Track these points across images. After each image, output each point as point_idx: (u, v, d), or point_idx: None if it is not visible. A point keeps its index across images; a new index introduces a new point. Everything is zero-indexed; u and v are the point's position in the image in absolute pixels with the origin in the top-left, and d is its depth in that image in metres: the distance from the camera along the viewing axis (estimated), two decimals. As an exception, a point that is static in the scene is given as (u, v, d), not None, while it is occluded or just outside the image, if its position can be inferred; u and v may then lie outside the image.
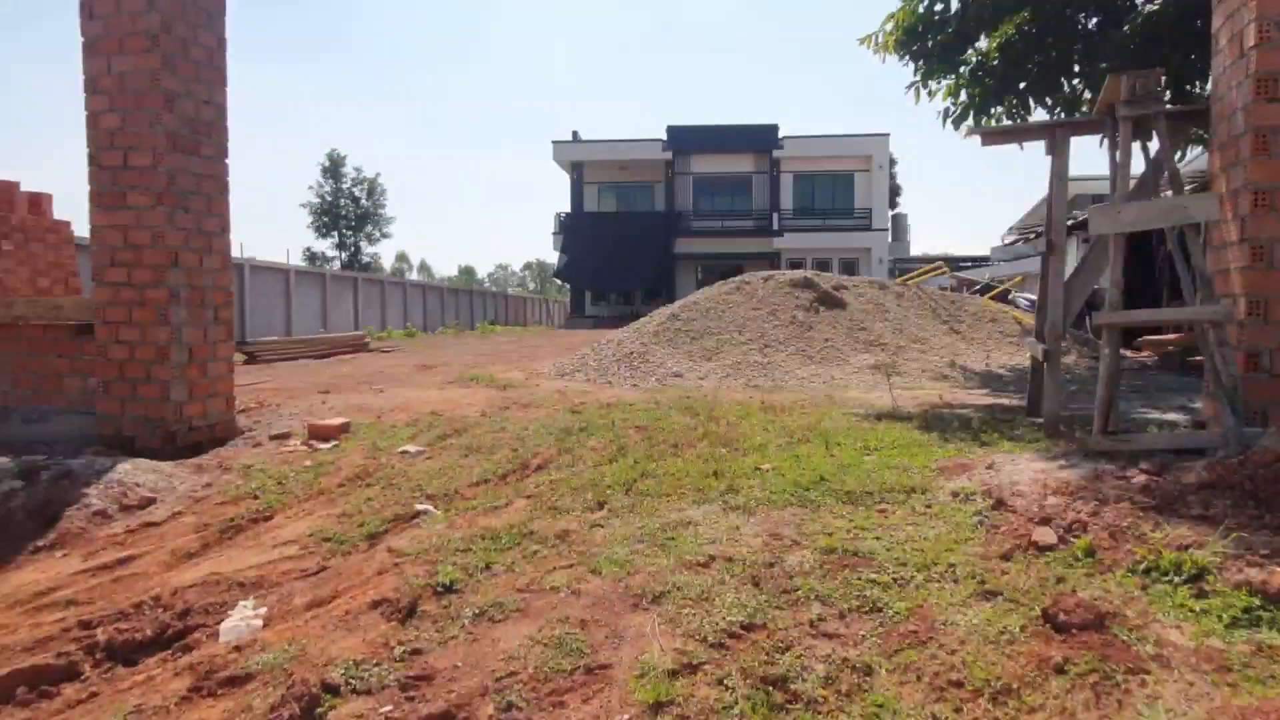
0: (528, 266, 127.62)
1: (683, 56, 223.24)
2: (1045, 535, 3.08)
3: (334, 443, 5.78)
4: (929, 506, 3.66)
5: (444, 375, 10.44)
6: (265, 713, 2.35)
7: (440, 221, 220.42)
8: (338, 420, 6.19)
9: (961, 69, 9.41)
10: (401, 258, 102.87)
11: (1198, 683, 2.18)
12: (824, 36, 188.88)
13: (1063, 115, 9.23)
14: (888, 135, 37.07)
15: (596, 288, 38.25)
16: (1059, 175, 5.10)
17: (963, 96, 9.42)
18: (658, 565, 3.14)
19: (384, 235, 57.69)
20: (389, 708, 2.32)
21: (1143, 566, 2.81)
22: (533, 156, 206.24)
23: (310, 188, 57.31)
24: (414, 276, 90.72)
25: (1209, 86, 8.55)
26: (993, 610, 2.64)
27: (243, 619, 3.14)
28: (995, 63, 9.15)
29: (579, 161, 38.69)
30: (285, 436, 5.99)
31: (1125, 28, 8.38)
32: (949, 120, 9.45)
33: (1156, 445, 3.98)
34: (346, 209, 55.60)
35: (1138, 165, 4.67)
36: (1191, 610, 2.54)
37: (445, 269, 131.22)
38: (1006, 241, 37.65)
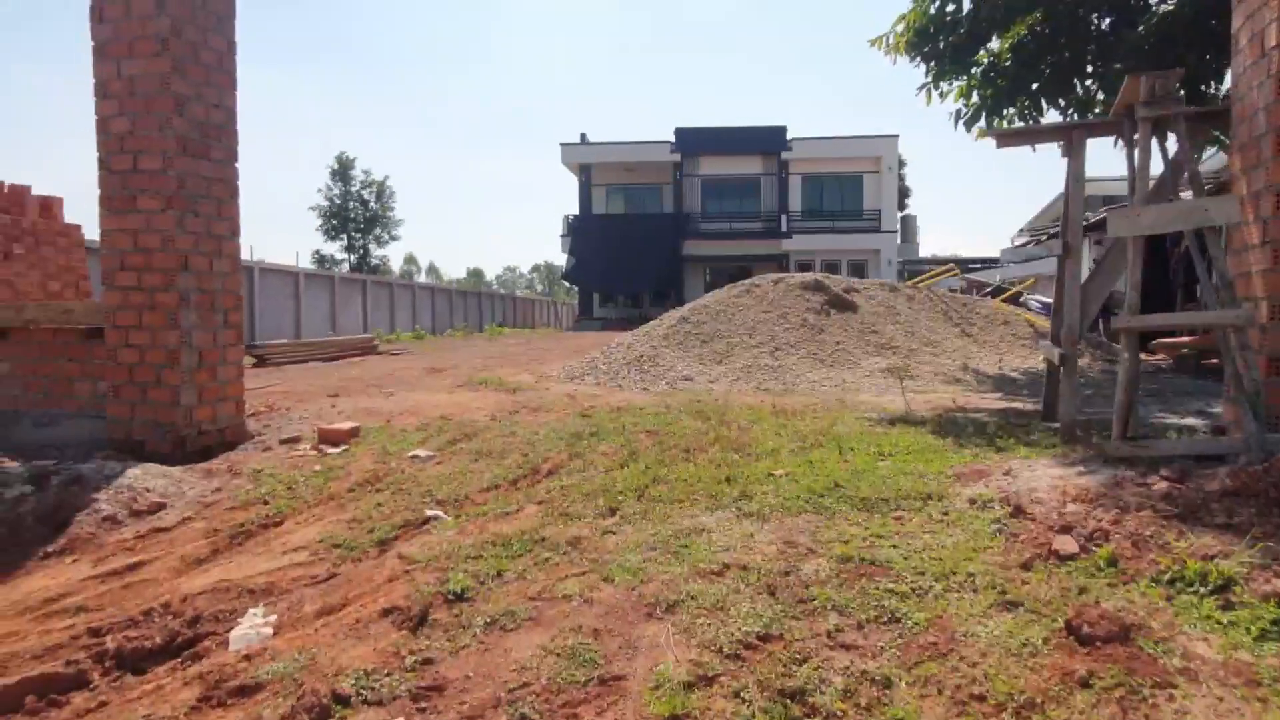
0: (536, 269, 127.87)
1: (688, 57, 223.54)
2: (1066, 544, 3.03)
3: (344, 447, 5.76)
4: (946, 514, 3.61)
5: (453, 378, 10.42)
6: (276, 724, 2.32)
7: (449, 224, 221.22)
8: (347, 424, 6.17)
9: (973, 70, 9.34)
10: (410, 260, 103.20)
11: (1227, 698, 2.13)
12: (830, 38, 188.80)
13: (1076, 116, 9.15)
14: (897, 137, 36.96)
15: (605, 290, 38.21)
16: (1075, 177, 5.04)
17: (974, 98, 9.35)
18: (671, 573, 3.10)
19: (393, 238, 57.82)
20: (400, 719, 2.29)
21: (1167, 577, 2.76)
22: (541, 158, 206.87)
23: (319, 190, 57.45)
24: (422, 279, 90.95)
25: (1224, 87, 8.53)
26: (1014, 621, 2.59)
27: (253, 627, 3.11)
28: (1007, 64, 9.08)
29: (587, 164, 38.67)
30: (295, 440, 5.97)
31: (1140, 28, 8.30)
32: (960, 122, 9.39)
33: (1176, 451, 3.92)
34: (355, 211, 55.71)
35: (1154, 166, 4.61)
36: (1219, 622, 2.49)
37: (454, 271, 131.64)
38: (1017, 243, 37.46)
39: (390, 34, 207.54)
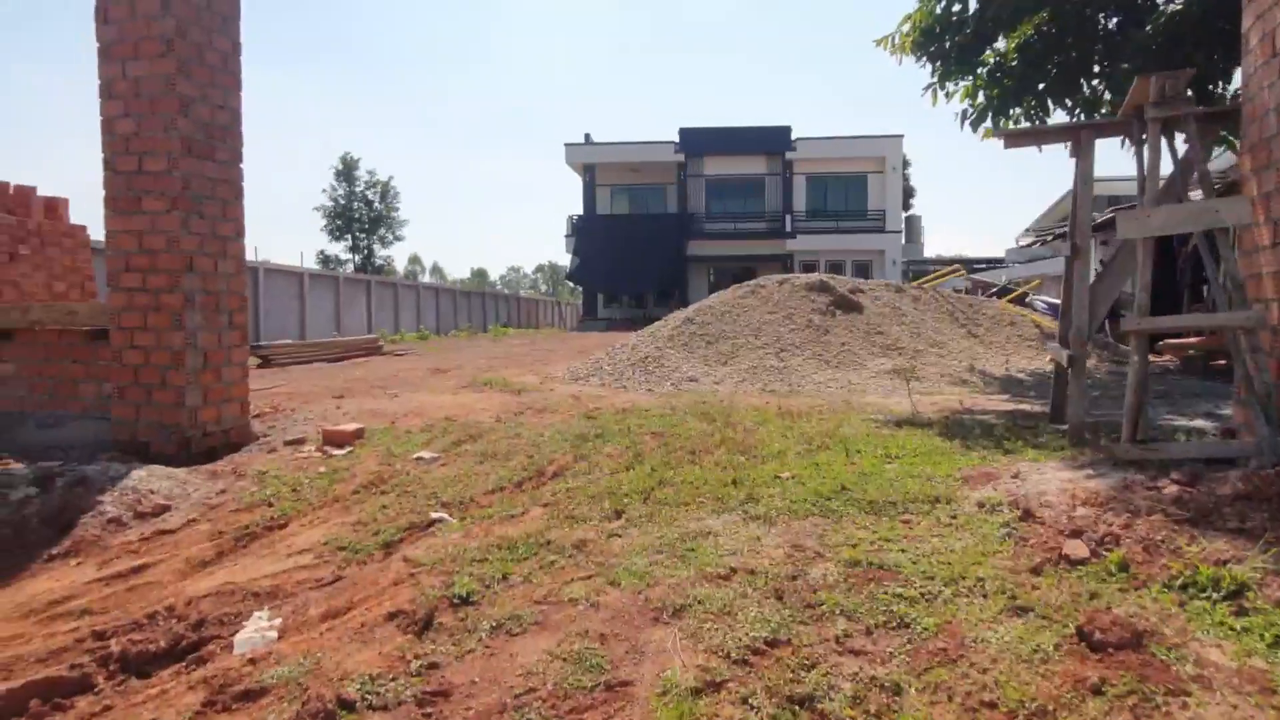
0: (540, 269, 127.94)
1: (692, 57, 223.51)
2: (1076, 548, 3.00)
3: (349, 448, 5.74)
4: (954, 517, 3.58)
5: (457, 379, 10.41)
6: (280, 730, 2.31)
7: (453, 224, 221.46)
8: (352, 426, 6.16)
9: (979, 70, 9.30)
10: (414, 260, 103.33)
11: (1241, 705, 2.10)
12: (835, 37, 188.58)
13: (1083, 116, 9.11)
14: (901, 137, 36.85)
15: (609, 290, 38.17)
16: (1084, 178, 5.01)
17: (980, 98, 9.32)
18: (678, 577, 3.08)
19: (397, 238, 57.82)
20: (406, 725, 2.27)
21: (1179, 582, 2.74)
22: (545, 158, 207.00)
23: (324, 190, 57.47)
24: (427, 279, 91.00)
25: (1232, 87, 8.49)
26: (1025, 627, 2.57)
27: (257, 630, 3.10)
28: (1014, 64, 9.04)
29: (591, 164, 38.64)
30: (300, 442, 5.96)
31: (1148, 28, 8.25)
32: (967, 122, 9.35)
33: (1187, 454, 3.89)
34: (360, 212, 55.74)
35: (1163, 167, 4.57)
36: (1232, 629, 2.46)
37: (458, 271, 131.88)
38: (1022, 243, 37.36)
39: (395, 34, 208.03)
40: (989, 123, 9.26)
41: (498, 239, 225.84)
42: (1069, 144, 5.33)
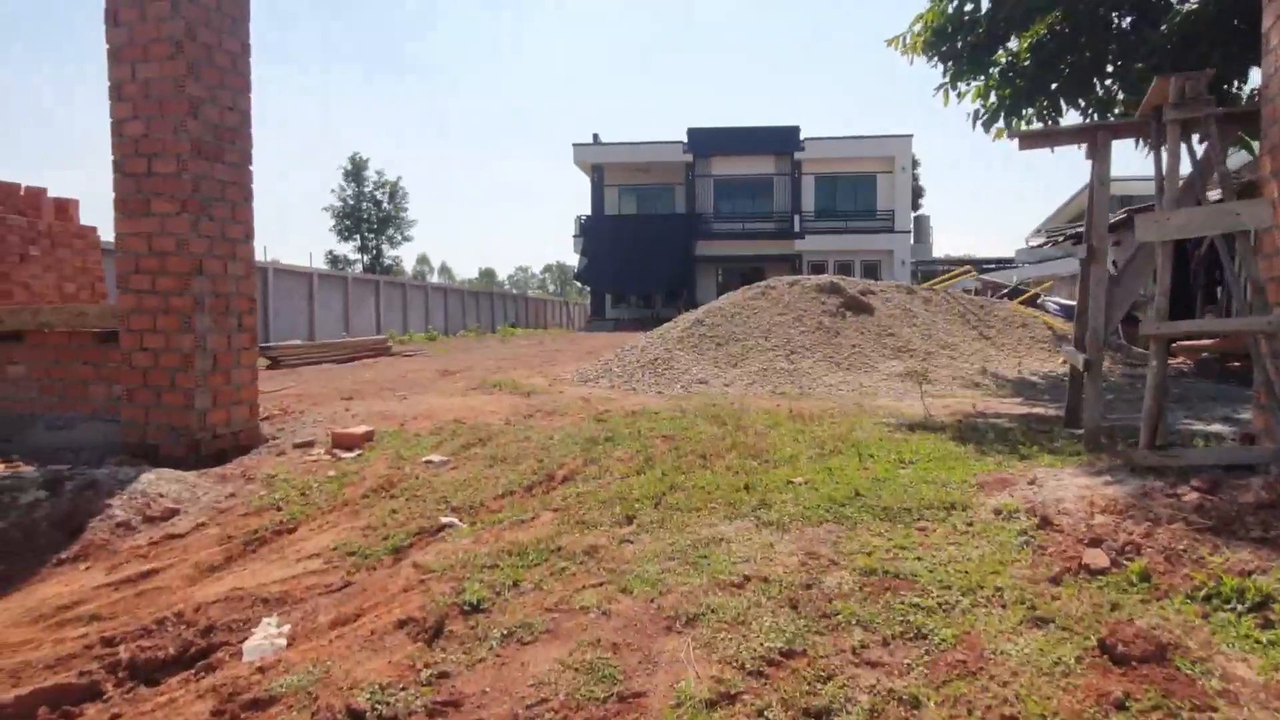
0: (548, 269, 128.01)
1: (700, 57, 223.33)
2: (1097, 558, 2.95)
3: (358, 452, 5.73)
4: (970, 525, 3.53)
5: (466, 381, 10.40)
6: (290, 741, 2.28)
7: (461, 224, 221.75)
8: (361, 428, 6.14)
9: (991, 70, 9.24)
10: (423, 260, 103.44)
11: (1270, 722, 2.06)
12: (841, 37, 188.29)
13: (1096, 117, 9.04)
14: (910, 136, 36.76)
15: (617, 290, 38.17)
16: (1100, 180, 4.94)
17: (992, 98, 9.25)
18: (690, 585, 3.04)
19: (405, 238, 57.90)
20: (417, 736, 2.25)
21: (1202, 593, 2.69)
22: (553, 158, 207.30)
23: (332, 191, 57.61)
24: (435, 279, 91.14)
25: (1248, 87, 8.40)
26: (1045, 639, 2.52)
27: (266, 637, 3.08)
28: (1026, 63, 8.97)
29: (599, 164, 38.66)
30: (309, 445, 5.94)
31: (1163, 27, 8.17)
32: (979, 122, 9.29)
33: (1206, 461, 3.83)
34: (369, 212, 55.85)
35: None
36: (1258, 641, 2.41)
37: (466, 271, 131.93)
38: (1032, 244, 37.15)
39: (403, 34, 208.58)
40: (1001, 123, 9.20)
41: (506, 239, 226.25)
42: (1084, 145, 5.28)
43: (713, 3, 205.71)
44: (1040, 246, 30.92)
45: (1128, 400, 7.72)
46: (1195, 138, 4.56)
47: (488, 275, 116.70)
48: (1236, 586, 2.64)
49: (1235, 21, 7.76)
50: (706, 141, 37.19)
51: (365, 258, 55.54)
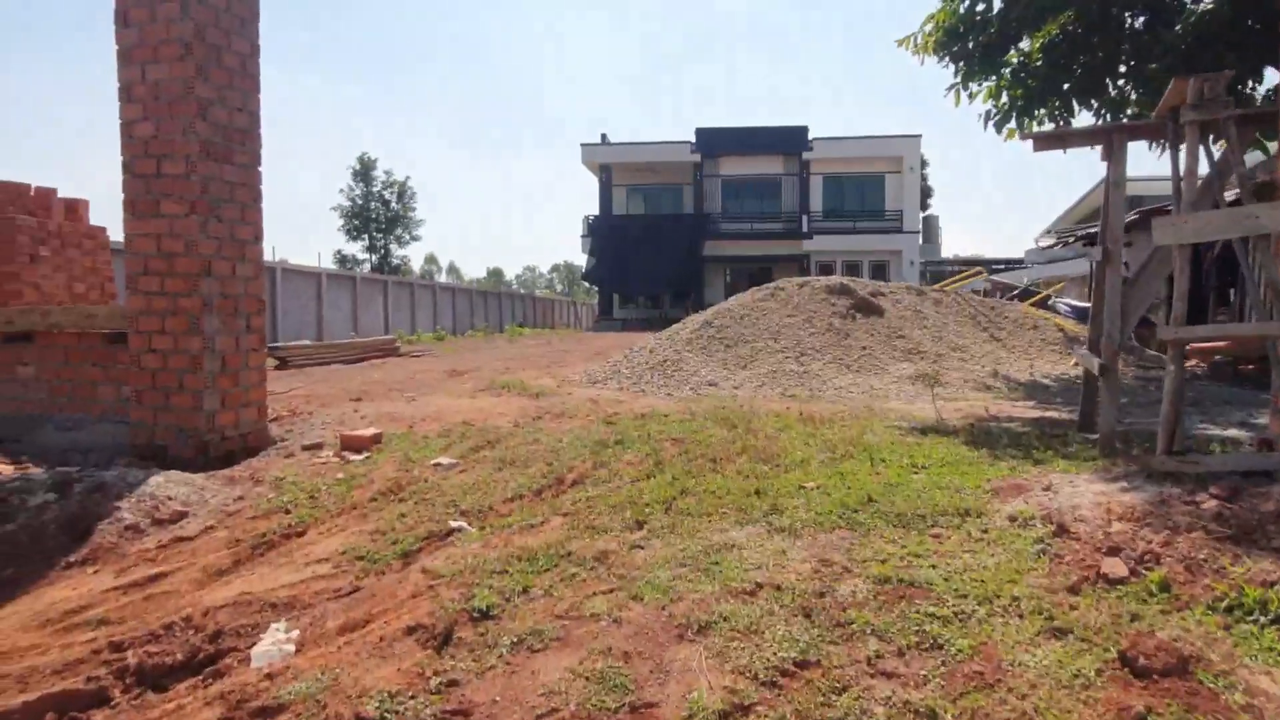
0: (555, 268, 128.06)
1: (707, 56, 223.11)
2: (1115, 567, 2.91)
3: (366, 454, 5.71)
4: (985, 531, 3.49)
5: (475, 382, 10.38)
6: (298, 751, 2.26)
7: (469, 223, 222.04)
8: (369, 430, 6.12)
9: (1003, 70, 9.16)
10: (430, 260, 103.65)
11: (1297, 739, 2.01)
12: (847, 37, 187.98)
13: (1109, 117, 8.96)
14: (919, 136, 36.57)
15: (624, 290, 38.10)
16: (1116, 182, 4.89)
17: (1004, 99, 9.17)
18: (702, 592, 3.01)
19: (413, 238, 58.04)
20: (426, 747, 2.22)
21: (1224, 604, 2.64)
22: (561, 158, 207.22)
23: (341, 190, 57.75)
24: (443, 279, 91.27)
25: (1263, 88, 8.32)
26: (1064, 650, 2.48)
27: (274, 643, 3.05)
28: (1038, 64, 8.89)
29: (607, 164, 38.61)
30: (317, 447, 5.93)
31: (1177, 28, 8.09)
32: (990, 123, 9.21)
33: (1225, 467, 3.78)
34: (377, 212, 56.00)
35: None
36: (1282, 654, 2.36)
37: (473, 271, 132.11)
38: (1042, 244, 36.97)
39: (411, 34, 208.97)
40: (1013, 124, 9.12)
41: (513, 239, 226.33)
42: (1101, 147, 5.22)
43: (722, 3, 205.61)
44: (1050, 248, 30.76)
45: (1142, 404, 7.65)
46: (1210, 139, 4.50)
47: (495, 275, 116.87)
48: (1259, 598, 2.60)
49: (1250, 22, 7.68)
50: (714, 141, 37.11)
51: (373, 257, 55.67)
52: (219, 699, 2.63)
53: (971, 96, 9.39)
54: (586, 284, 51.54)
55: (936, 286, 15.53)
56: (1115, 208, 4.90)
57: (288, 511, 4.59)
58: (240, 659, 2.99)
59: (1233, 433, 5.42)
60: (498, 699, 2.42)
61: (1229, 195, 4.98)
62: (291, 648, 3.01)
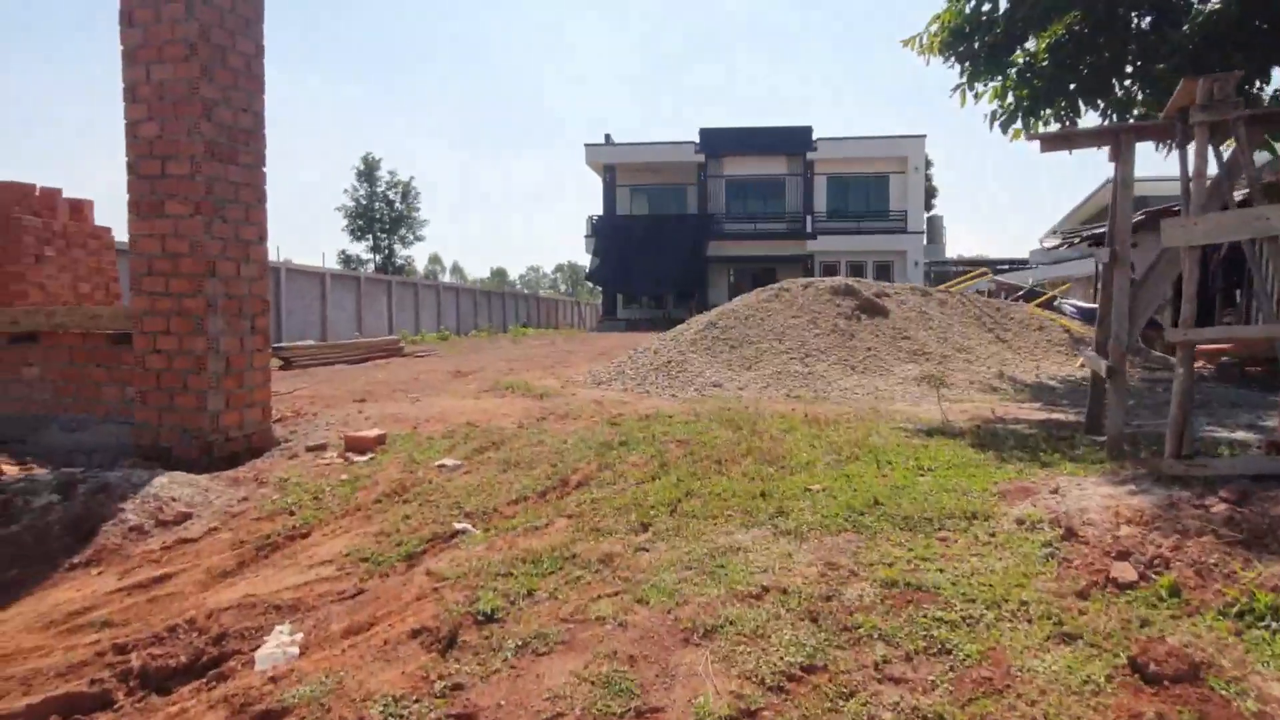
0: (559, 269, 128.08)
1: (712, 56, 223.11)
2: (1124, 571, 2.88)
3: (370, 455, 5.70)
4: (993, 535, 3.46)
5: (479, 382, 10.37)
6: (302, 755, 2.25)
7: (473, 223, 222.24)
8: (374, 431, 6.11)
9: (1009, 71, 9.13)
10: (434, 260, 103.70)
11: (1310, 747, 1.99)
12: (854, 37, 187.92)
13: (1115, 118, 8.93)
14: (924, 137, 36.51)
15: (628, 291, 38.08)
16: (1124, 183, 4.86)
17: (1010, 99, 9.14)
18: (708, 596, 2.99)
19: (417, 238, 58.17)
20: (431, 754, 2.20)
21: (1235, 609, 2.62)
22: (565, 159, 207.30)
23: (345, 190, 57.83)
24: (447, 279, 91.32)
25: (1270, 89, 8.28)
26: (1073, 656, 2.46)
27: (279, 646, 3.04)
28: (1044, 64, 8.86)
29: (611, 164, 38.59)
30: (321, 448, 5.92)
31: (1184, 28, 8.06)
32: (996, 123, 9.18)
33: (1234, 471, 3.75)
34: (381, 212, 56.10)
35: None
36: (1295, 661, 2.34)
37: (478, 271, 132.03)
38: (1047, 245, 36.88)
39: (415, 34, 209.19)
40: (1019, 124, 9.09)
41: (517, 239, 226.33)
42: (1105, 147, 5.19)
43: (726, 3, 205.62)
44: (1056, 248, 30.68)
45: (1148, 406, 7.62)
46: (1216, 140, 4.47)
47: (499, 275, 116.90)
48: (1271, 603, 2.57)
49: (1258, 22, 7.64)
50: (718, 142, 37.08)
51: (377, 257, 55.75)
52: (223, 702, 2.61)
53: (977, 97, 9.37)
54: (590, 284, 51.53)
55: (941, 287, 15.48)
56: (1123, 209, 4.87)
57: (292, 513, 4.58)
58: (244, 662, 2.98)
59: (1240, 435, 5.38)
60: (502, 703, 2.40)
61: (1236, 195, 4.94)
62: (296, 650, 3.00)
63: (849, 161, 36.89)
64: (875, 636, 2.64)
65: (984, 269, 29.04)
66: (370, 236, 55.92)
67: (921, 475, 4.52)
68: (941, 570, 3.11)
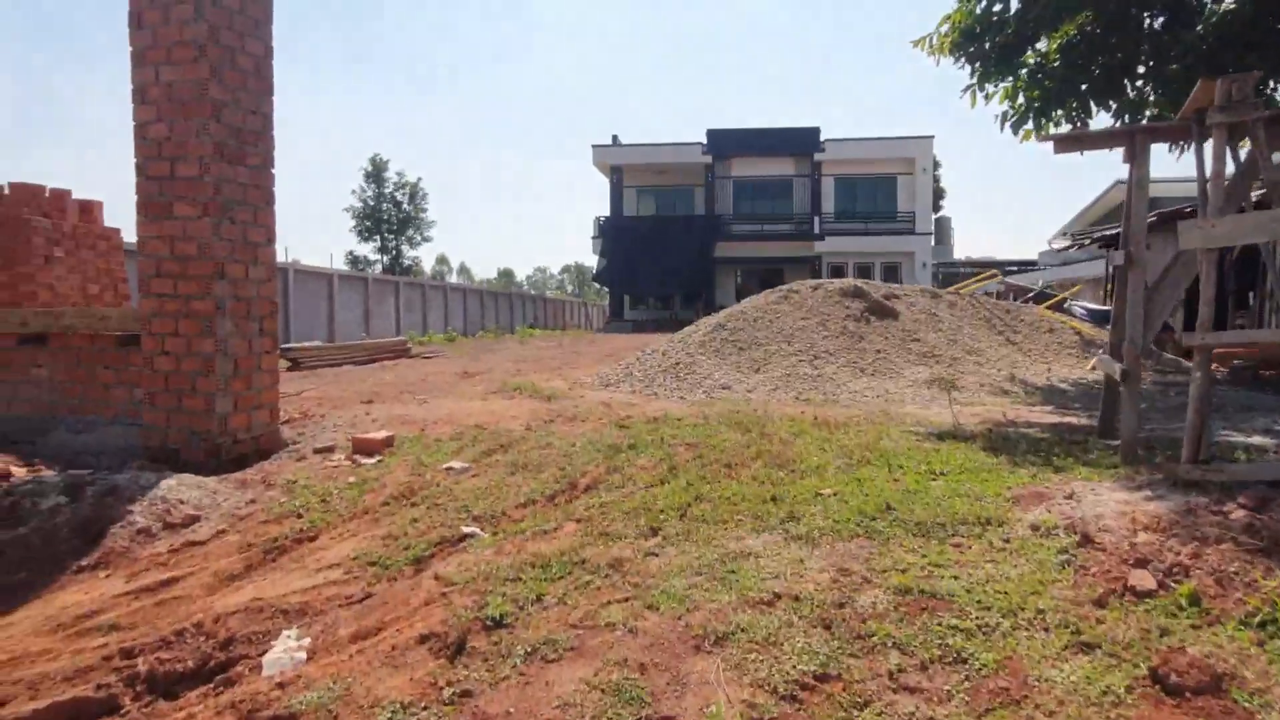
0: (566, 269, 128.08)
1: (719, 58, 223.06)
2: (1143, 579, 2.84)
3: (378, 457, 5.68)
4: (1007, 541, 3.42)
5: (486, 384, 10.35)
6: (310, 765, 2.22)
7: (480, 224, 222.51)
8: (381, 433, 6.09)
9: (1020, 71, 9.08)
10: (442, 260, 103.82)
11: (1337, 761, 1.95)
12: (860, 37, 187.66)
13: (1127, 119, 8.87)
14: (932, 138, 36.38)
15: (635, 292, 38.05)
16: (1139, 184, 4.80)
17: (1021, 100, 9.10)
18: (719, 602, 2.96)
19: (425, 239, 58.23)
20: (440, 762, 2.18)
21: (1257, 619, 2.57)
22: (572, 159, 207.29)
23: (353, 192, 57.95)
24: (454, 279, 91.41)
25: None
26: (1092, 666, 2.42)
27: (286, 651, 3.02)
28: (1055, 64, 8.81)
29: (618, 165, 38.56)
30: (329, 450, 5.90)
31: (1198, 28, 7.99)
32: (1007, 124, 9.13)
33: (1252, 476, 3.70)
34: (389, 213, 56.18)
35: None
36: (1319, 673, 2.30)
37: (485, 272, 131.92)
38: (1056, 246, 36.72)
39: (423, 36, 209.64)
40: (1030, 125, 9.04)
41: (524, 240, 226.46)
42: (1116, 148, 5.14)
43: (734, 4, 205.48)
44: (1065, 249, 30.56)
45: (1161, 409, 7.55)
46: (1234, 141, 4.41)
47: (506, 276, 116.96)
48: (1293, 613, 2.53)
49: (1272, 21, 7.58)
50: (726, 143, 37.02)
51: (385, 258, 55.84)
52: (230, 708, 2.60)
53: (988, 98, 9.32)
54: (597, 285, 51.50)
55: (951, 289, 15.40)
56: (1138, 211, 4.82)
57: (299, 516, 4.56)
58: (252, 666, 2.97)
59: (1257, 440, 5.32)
60: (511, 711, 2.38)
61: (1253, 196, 4.88)
62: (303, 655, 2.98)
63: (857, 162, 36.80)
64: (889, 645, 2.60)
65: (993, 270, 28.90)
66: (378, 237, 56.02)
67: (934, 480, 4.48)
68: (956, 577, 3.06)
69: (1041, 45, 9.01)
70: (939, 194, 48.34)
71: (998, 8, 8.80)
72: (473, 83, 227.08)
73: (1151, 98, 8.90)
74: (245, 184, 5.83)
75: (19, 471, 5.12)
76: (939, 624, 2.70)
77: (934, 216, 40.49)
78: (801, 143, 36.75)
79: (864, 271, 34.69)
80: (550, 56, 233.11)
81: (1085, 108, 9.03)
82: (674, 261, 35.10)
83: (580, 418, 7.10)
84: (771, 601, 2.95)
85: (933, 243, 38.43)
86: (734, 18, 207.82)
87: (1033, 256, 44.28)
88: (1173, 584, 2.82)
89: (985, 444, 5.48)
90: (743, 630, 2.72)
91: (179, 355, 5.65)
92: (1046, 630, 2.64)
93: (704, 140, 37.08)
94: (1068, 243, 20.74)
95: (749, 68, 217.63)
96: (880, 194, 37.50)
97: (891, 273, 35.76)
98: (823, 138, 36.41)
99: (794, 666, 2.49)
